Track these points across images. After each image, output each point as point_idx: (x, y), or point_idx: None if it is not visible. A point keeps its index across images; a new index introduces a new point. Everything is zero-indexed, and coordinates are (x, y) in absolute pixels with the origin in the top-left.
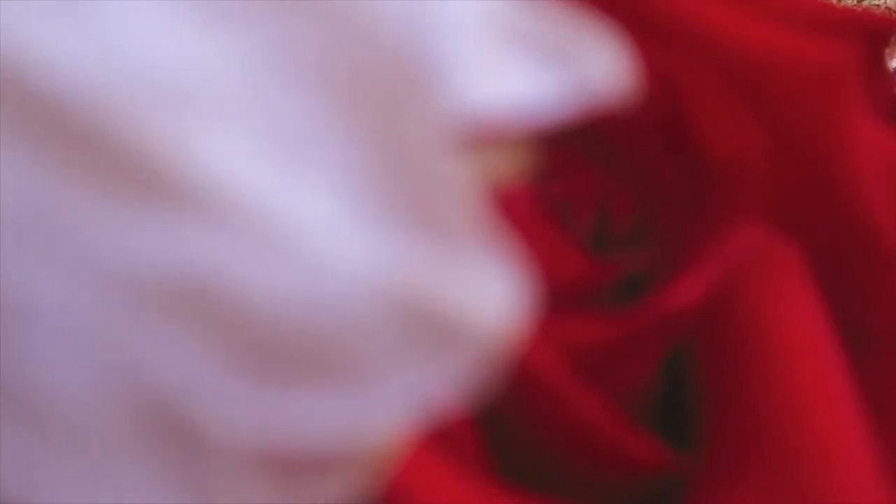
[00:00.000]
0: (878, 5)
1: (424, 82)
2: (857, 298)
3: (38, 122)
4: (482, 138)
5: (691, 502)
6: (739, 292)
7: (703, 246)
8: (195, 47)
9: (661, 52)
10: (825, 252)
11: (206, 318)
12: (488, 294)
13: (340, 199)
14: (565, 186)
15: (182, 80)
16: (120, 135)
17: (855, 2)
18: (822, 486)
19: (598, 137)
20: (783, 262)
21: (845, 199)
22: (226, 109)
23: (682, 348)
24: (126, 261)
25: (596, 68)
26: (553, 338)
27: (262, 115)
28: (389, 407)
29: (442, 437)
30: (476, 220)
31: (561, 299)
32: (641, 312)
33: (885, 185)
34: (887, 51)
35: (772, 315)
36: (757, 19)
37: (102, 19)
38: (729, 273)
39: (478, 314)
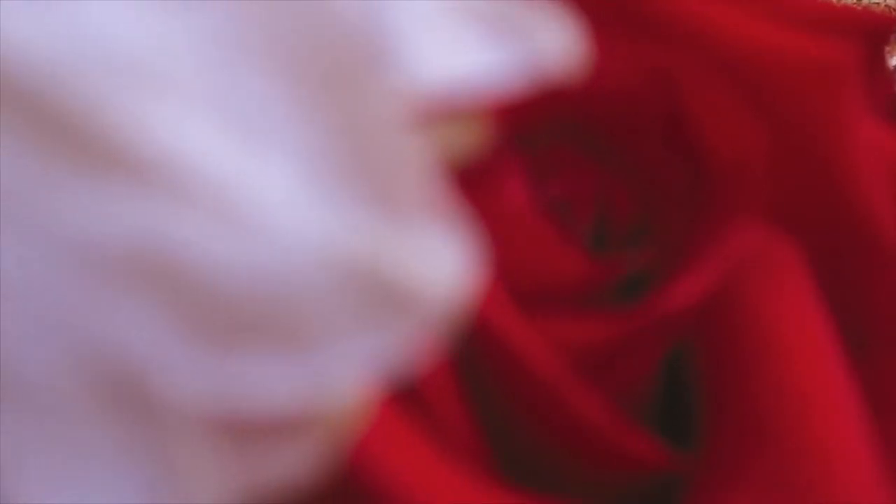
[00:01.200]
0: (877, 4)
1: (378, 59)
2: (858, 298)
3: None
4: (435, 114)
5: (691, 502)
6: (740, 292)
7: (703, 245)
8: (154, 28)
9: (661, 51)
10: (825, 251)
11: (162, 287)
12: (438, 265)
13: (295, 173)
14: (565, 186)
15: (141, 59)
16: (80, 110)
17: (855, 0)
18: (823, 486)
19: (598, 136)
20: (783, 261)
21: (845, 198)
22: (184, 87)
23: (682, 348)
24: (85, 231)
25: (546, 44)
26: (553, 337)
27: (219, 94)
28: (342, 372)
29: (439, 433)
30: (430, 194)
31: (561, 299)
32: (641, 312)
33: (885, 183)
34: (887, 49)
35: (772, 315)
36: (757, 18)
37: (63, 0)
38: (729, 273)
39: (426, 284)
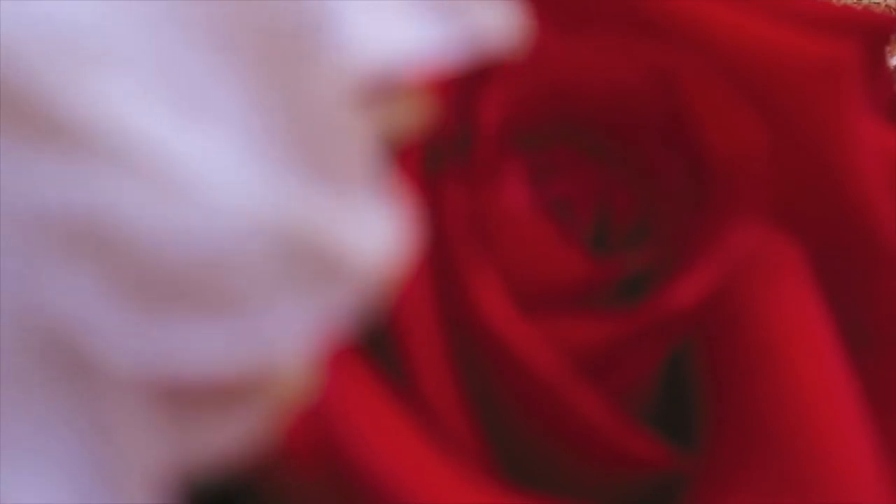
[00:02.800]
0: (878, 3)
1: (317, 33)
2: (859, 298)
3: None
4: (375, 89)
5: (692, 502)
6: (741, 291)
7: (703, 245)
8: (98, 3)
9: (662, 51)
10: (826, 251)
11: (99, 253)
12: (371, 236)
13: (234, 144)
14: (565, 185)
15: (83, 33)
16: (21, 82)
17: (855, 0)
18: (824, 486)
19: (598, 136)
20: (784, 261)
21: (846, 197)
22: (127, 62)
23: (685, 347)
24: (23, 199)
25: (486, 19)
26: (553, 337)
27: (162, 68)
28: (276, 337)
29: (439, 433)
30: (367, 168)
31: (561, 299)
32: (642, 312)
33: (885, 183)
34: (888, 49)
35: (773, 314)
36: (757, 18)
37: None
38: (730, 272)
39: (358, 253)
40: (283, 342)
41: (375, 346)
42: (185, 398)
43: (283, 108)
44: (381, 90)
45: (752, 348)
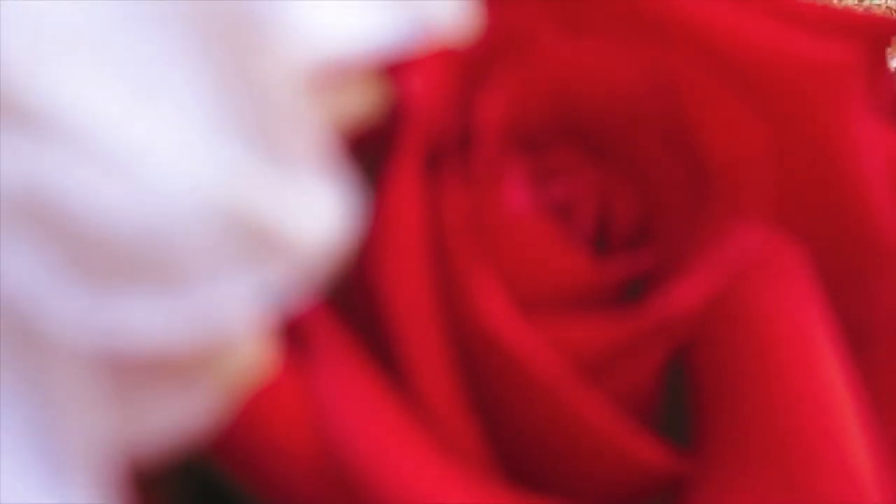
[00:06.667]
0: (879, 5)
1: (269, 21)
2: (860, 299)
3: None
4: (325, 75)
5: (692, 503)
6: (742, 292)
7: (705, 246)
8: None
9: (662, 52)
10: (827, 252)
11: (47, 228)
12: (316, 215)
13: (184, 125)
14: (566, 187)
15: (34, 12)
16: None
17: (856, 2)
18: (824, 486)
19: (599, 137)
20: (785, 262)
21: (846, 198)
22: (80, 43)
23: (686, 349)
24: None
25: (435, 5)
26: (555, 340)
27: (112, 45)
28: (220, 311)
29: (441, 435)
30: (315, 149)
31: (562, 301)
32: (643, 314)
33: (886, 184)
34: (888, 50)
35: (774, 315)
36: (758, 20)
37: None
38: (732, 273)
39: (302, 231)
40: (228, 317)
41: (375, 346)
42: (133, 374)
43: (233, 90)
44: (332, 76)
45: (752, 349)
